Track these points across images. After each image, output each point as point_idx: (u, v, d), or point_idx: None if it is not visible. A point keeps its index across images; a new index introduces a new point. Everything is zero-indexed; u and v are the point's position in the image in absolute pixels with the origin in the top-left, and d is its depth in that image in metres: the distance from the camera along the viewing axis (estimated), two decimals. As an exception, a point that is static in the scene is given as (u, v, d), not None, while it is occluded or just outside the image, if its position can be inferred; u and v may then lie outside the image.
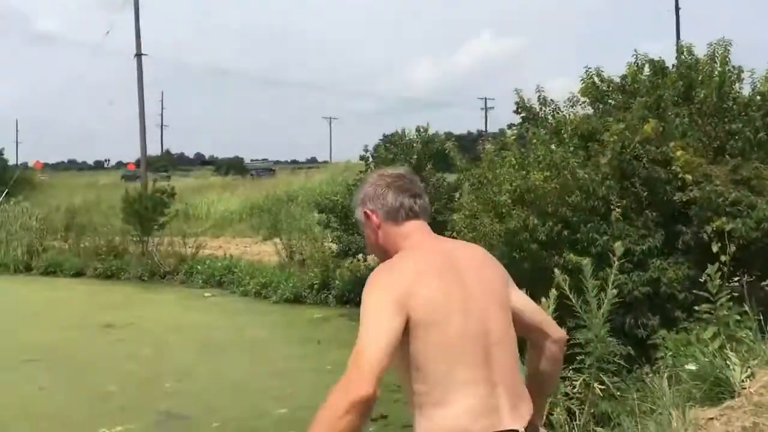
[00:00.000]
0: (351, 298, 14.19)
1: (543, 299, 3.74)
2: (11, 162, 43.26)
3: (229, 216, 25.72)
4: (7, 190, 27.26)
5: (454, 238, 8.93)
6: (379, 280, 1.93)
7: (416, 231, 2.03)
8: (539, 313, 2.15)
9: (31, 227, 20.26)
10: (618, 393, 4.22)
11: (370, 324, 1.82)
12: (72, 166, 78.86)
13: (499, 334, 1.91)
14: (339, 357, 10.21)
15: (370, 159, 13.44)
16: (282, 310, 13.97)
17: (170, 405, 8.20)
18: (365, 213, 2.06)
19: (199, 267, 17.42)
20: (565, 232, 6.78)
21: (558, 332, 2.13)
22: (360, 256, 13.95)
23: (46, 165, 50.36)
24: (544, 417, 2.29)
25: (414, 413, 1.91)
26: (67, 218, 21.24)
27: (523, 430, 1.85)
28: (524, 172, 7.22)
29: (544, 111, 8.12)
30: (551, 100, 8.08)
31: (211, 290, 16.39)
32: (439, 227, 12.36)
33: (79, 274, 18.60)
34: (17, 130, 68.82)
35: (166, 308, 14.43)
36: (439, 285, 1.88)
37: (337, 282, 14.44)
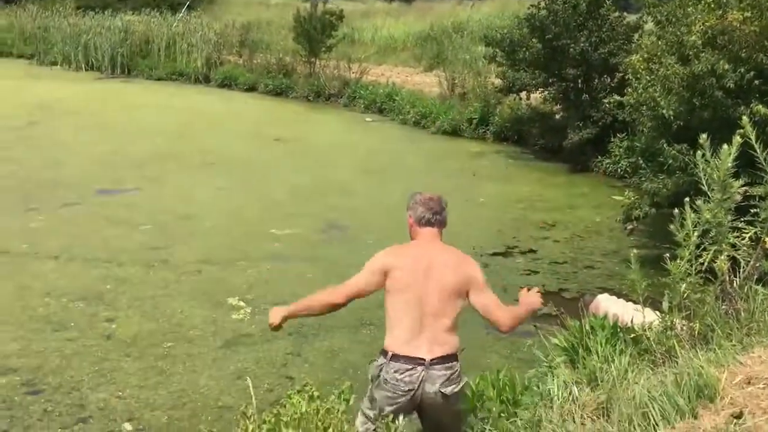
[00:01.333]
0: (509, 135, 14.08)
1: (725, 146, 3.54)
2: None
3: (393, 43, 25.55)
4: (188, 3, 28.62)
5: (628, 81, 8.52)
6: (384, 251, 3.37)
7: (426, 234, 3.36)
8: (491, 312, 3.28)
9: (210, 40, 21.30)
10: (787, 254, 4.04)
11: (361, 273, 3.30)
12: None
13: (433, 310, 3.16)
14: (492, 191, 10.44)
15: (545, -8, 12.60)
16: (439, 141, 14.16)
17: (331, 216, 8.84)
18: (408, 217, 3.43)
19: (361, 92, 17.75)
20: (757, 81, 6.21)
21: (504, 327, 3.30)
22: (523, 94, 13.60)
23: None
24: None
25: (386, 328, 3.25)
26: (241, 34, 22.08)
27: (429, 359, 3.08)
28: (720, 12, 6.55)
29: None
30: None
31: (372, 116, 16.80)
32: (610, 70, 11.73)
33: (251, 89, 19.62)
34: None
35: (329, 128, 15.07)
36: (409, 270, 3.20)
37: (496, 118, 14.29)
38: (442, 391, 3.10)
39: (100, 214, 8.41)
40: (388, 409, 3.04)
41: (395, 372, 3.08)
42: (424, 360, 3.09)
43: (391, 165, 11.92)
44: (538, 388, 3.36)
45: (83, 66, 22.07)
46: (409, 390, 3.07)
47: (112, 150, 11.84)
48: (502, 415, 3.42)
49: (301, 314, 3.40)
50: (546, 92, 13.08)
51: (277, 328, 3.37)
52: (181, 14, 24.95)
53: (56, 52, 22.76)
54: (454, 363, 3.18)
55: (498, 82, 14.20)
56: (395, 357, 3.10)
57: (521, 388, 3.74)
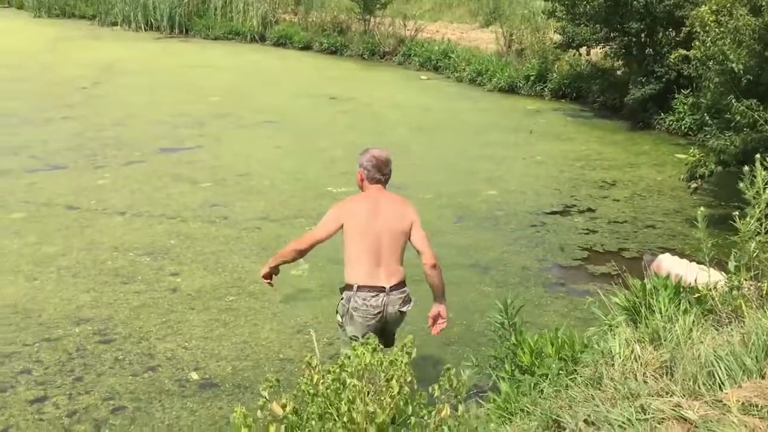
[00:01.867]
0: (567, 92, 13.78)
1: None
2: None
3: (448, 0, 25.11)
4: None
5: (695, 34, 8.18)
6: (337, 205, 3.98)
7: (373, 188, 3.87)
8: (420, 245, 3.87)
9: (265, -1, 21.31)
10: None
11: (321, 224, 3.87)
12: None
13: (386, 243, 3.79)
14: (549, 149, 10.28)
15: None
16: (495, 99, 13.95)
17: (388, 174, 8.86)
18: (359, 172, 3.91)
19: (416, 49, 17.55)
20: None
21: (427, 260, 3.83)
22: (583, 49, 13.23)
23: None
24: (444, 297, 4.04)
25: (345, 266, 3.88)
26: (296, -8, 22.02)
27: (389, 286, 3.78)
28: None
29: None
30: None
31: (427, 73, 16.63)
32: (676, 23, 11.27)
33: (306, 47, 19.60)
34: None
35: (384, 86, 15.00)
36: (362, 214, 3.80)
37: (554, 75, 13.98)
38: (401, 310, 3.88)
39: (163, 171, 8.63)
40: (362, 331, 3.69)
41: (363, 300, 3.78)
42: (385, 288, 3.80)
43: (446, 122, 11.83)
44: (599, 346, 3.34)
45: (142, 26, 22.39)
46: (378, 312, 3.80)
47: (172, 109, 12.06)
48: (561, 372, 3.43)
49: (280, 264, 4.03)
50: (607, 47, 12.70)
51: (267, 278, 4.07)
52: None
53: (116, 12, 23.11)
54: (405, 288, 3.92)
55: (557, 37, 13.84)
56: (361, 288, 3.78)
57: (580, 346, 3.73)
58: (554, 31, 14.09)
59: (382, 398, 2.36)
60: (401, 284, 3.87)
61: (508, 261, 6.39)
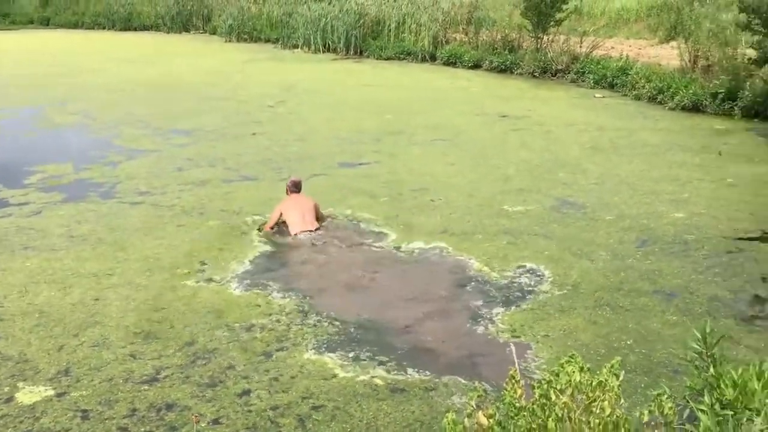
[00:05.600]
0: (761, 111, 12.77)
1: None
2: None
3: (625, 15, 24.21)
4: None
5: None
6: (279, 204, 7.51)
7: (294, 195, 7.58)
8: (318, 214, 7.44)
9: (437, 19, 21.67)
10: None
11: (272, 215, 7.46)
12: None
13: (306, 212, 7.29)
14: (741, 171, 9.60)
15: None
16: (677, 118, 13.23)
17: (564, 194, 8.67)
18: (287, 188, 7.74)
19: (591, 67, 17.07)
20: None
21: (320, 220, 7.44)
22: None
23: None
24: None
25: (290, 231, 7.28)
26: (469, 11, 22.20)
27: (314, 229, 7.22)
28: None
29: None
30: None
31: (602, 91, 16.11)
32: None
33: (475, 66, 19.68)
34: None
35: (556, 105, 14.71)
36: (291, 204, 7.38)
37: (746, 93, 13.00)
38: (323, 241, 7.01)
39: (343, 185, 9.02)
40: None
41: (302, 238, 7.05)
42: (311, 229, 7.15)
43: (623, 142, 11.38)
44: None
45: (321, 48, 23.65)
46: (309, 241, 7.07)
47: (349, 126, 12.60)
48: (774, 409, 3.18)
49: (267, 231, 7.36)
50: (810, 62, 11.66)
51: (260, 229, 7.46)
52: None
53: (298, 36, 24.57)
54: (319, 229, 7.22)
55: (751, 52, 12.90)
56: (301, 231, 7.09)
57: (794, 384, 3.43)
58: (749, 46, 13.15)
59: (590, 419, 2.32)
60: (318, 228, 7.19)
61: (696, 290, 6.01)
